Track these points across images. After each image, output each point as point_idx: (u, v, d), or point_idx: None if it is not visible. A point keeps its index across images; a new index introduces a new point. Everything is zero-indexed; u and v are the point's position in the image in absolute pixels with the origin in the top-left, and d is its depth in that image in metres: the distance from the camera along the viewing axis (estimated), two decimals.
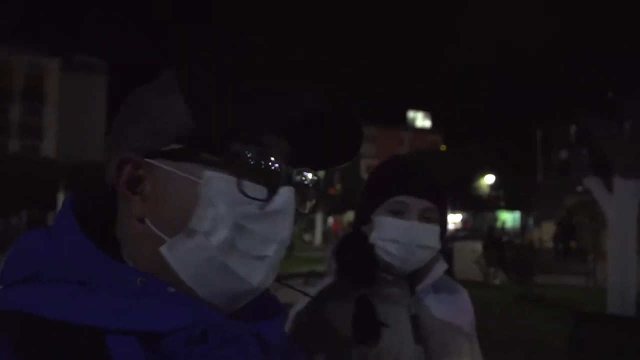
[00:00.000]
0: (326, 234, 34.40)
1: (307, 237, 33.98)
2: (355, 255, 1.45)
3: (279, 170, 0.68)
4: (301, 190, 0.72)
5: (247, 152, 0.66)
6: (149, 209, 0.68)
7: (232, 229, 0.65)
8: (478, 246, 14.61)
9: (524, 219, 35.13)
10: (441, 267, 1.50)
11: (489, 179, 36.78)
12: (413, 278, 1.47)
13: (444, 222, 1.47)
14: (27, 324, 0.59)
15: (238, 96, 0.66)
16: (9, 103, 40.97)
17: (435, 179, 1.46)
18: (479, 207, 39.78)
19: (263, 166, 0.67)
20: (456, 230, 33.57)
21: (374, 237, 1.44)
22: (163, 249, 0.66)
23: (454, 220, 43.22)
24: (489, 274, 13.53)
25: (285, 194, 0.67)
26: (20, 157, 31.40)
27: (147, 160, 0.68)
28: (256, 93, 0.66)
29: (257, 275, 0.67)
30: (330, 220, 39.91)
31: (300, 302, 1.42)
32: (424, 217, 1.42)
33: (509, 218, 40.81)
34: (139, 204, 0.68)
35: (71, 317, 0.59)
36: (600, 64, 7.50)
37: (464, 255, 13.65)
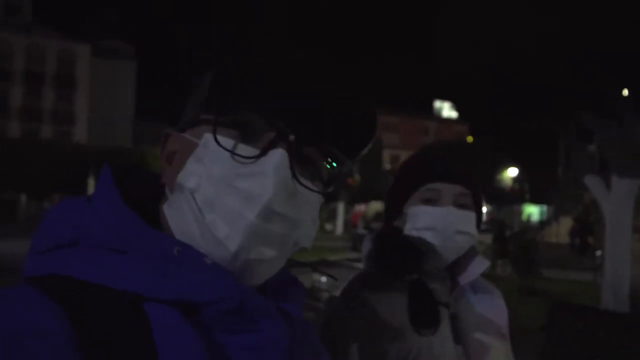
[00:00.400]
0: (347, 223, 34.86)
1: (328, 226, 34.47)
2: (397, 244, 1.39)
3: (276, 135, 0.67)
4: (313, 166, 0.71)
5: (248, 116, 0.67)
6: (170, 175, 0.71)
7: (217, 187, 0.66)
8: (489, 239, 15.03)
9: (550, 213, 35.11)
10: (482, 263, 1.42)
11: (512, 172, 36.79)
12: (453, 274, 1.42)
13: (479, 209, 1.42)
14: (71, 286, 0.60)
15: (254, 78, 0.68)
16: (42, 88, 42.15)
17: (467, 165, 1.42)
18: (503, 200, 39.78)
19: (260, 129, 0.67)
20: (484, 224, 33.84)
21: (409, 229, 1.39)
22: (165, 206, 0.70)
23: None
24: (496, 265, 13.92)
25: (275, 155, 0.66)
26: (53, 143, 32.41)
27: (181, 134, 0.72)
28: (270, 78, 0.68)
29: (235, 239, 0.64)
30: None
31: (334, 289, 1.58)
32: (458, 203, 1.37)
33: (535, 211, 40.69)
34: (168, 173, 0.71)
35: (111, 282, 0.61)
36: (598, 62, 7.79)
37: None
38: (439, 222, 1.35)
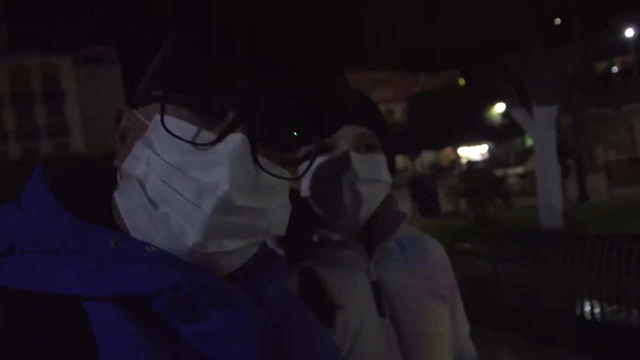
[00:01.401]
0: None
1: None
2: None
3: (235, 117, 0.60)
4: (280, 146, 0.64)
5: (203, 93, 0.61)
6: (121, 157, 0.65)
7: (169, 176, 0.60)
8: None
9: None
10: (400, 216, 1.23)
11: (499, 107, 37.20)
12: (370, 235, 1.20)
13: (390, 150, 1.23)
14: (4, 297, 0.57)
15: (212, 50, 0.62)
16: (32, 106, 43.01)
17: (366, 100, 1.22)
18: (496, 136, 40.31)
19: (217, 109, 0.61)
20: (483, 162, 34.49)
21: (304, 190, 1.18)
22: (116, 194, 0.64)
23: (480, 151, 43.96)
24: (458, 204, 14.73)
25: (233, 141, 0.59)
26: (53, 157, 33.39)
27: (133, 110, 0.66)
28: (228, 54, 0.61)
29: (190, 233, 0.59)
30: None
31: None
32: (361, 147, 1.17)
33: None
34: (121, 155, 0.66)
35: (47, 286, 0.57)
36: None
37: (443, 190, 15.09)
38: (334, 174, 1.13)
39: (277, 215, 0.65)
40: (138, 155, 0.62)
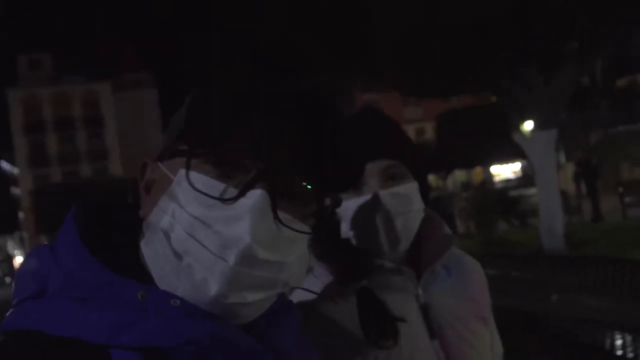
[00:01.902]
0: None
1: None
2: (334, 247, 1.20)
3: (256, 174, 0.63)
4: (299, 201, 0.66)
5: (226, 150, 0.63)
6: (146, 208, 0.68)
7: (193, 229, 0.62)
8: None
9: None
10: (449, 239, 1.25)
11: (528, 125, 36.87)
12: (417, 258, 1.23)
13: (420, 175, 1.24)
14: (34, 341, 0.60)
15: (229, 113, 0.65)
16: (74, 131, 44.79)
17: (388, 130, 1.25)
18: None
19: (239, 165, 0.63)
20: (516, 180, 34.12)
21: (345, 229, 1.21)
22: (142, 244, 0.66)
23: (513, 169, 43.62)
24: (468, 225, 14.70)
25: (254, 197, 0.62)
26: (93, 181, 34.68)
27: (157, 163, 0.69)
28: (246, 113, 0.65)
29: (213, 284, 0.61)
30: None
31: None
32: (388, 179, 1.18)
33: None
34: (146, 205, 0.68)
35: (74, 332, 0.60)
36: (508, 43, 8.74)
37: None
38: (370, 212, 1.17)
39: (296, 268, 0.67)
40: (163, 208, 0.65)
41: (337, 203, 0.72)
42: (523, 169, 45.54)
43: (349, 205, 1.17)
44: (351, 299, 1.16)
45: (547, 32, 8.60)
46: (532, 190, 16.60)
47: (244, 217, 0.62)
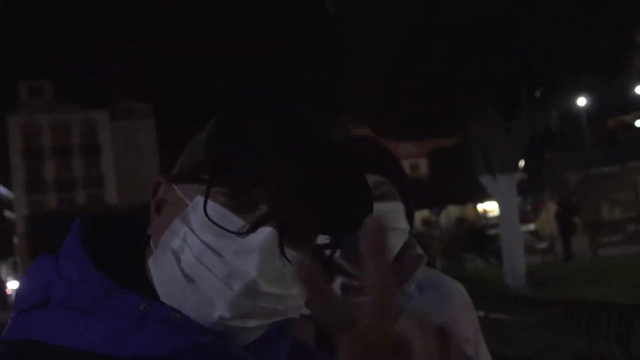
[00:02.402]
0: None
1: None
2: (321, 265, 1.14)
3: (269, 210, 0.66)
4: (307, 239, 0.69)
5: (241, 184, 0.66)
6: (157, 227, 0.70)
7: (203, 254, 0.65)
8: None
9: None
10: (419, 259, 1.25)
11: (520, 163, 37.21)
12: None
13: (406, 198, 1.24)
14: (36, 352, 0.61)
15: (250, 147, 0.67)
16: (70, 158, 45.33)
17: (381, 148, 1.27)
18: (520, 191, 40.08)
19: (252, 199, 0.66)
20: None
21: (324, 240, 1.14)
22: (150, 261, 0.68)
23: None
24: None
25: (264, 234, 0.65)
26: (88, 208, 35.03)
27: (172, 185, 0.71)
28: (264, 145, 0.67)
29: (217, 308, 0.64)
30: None
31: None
32: (377, 196, 1.14)
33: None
34: (155, 224, 0.71)
35: (76, 343, 0.61)
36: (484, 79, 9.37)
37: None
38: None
39: (296, 300, 0.69)
40: (175, 230, 0.67)
41: (339, 244, 0.74)
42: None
43: None
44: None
45: (506, 81, 9.25)
46: (529, 227, 16.90)
47: (253, 252, 0.64)
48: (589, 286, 8.83)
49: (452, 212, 44.56)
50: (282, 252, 0.66)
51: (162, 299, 0.67)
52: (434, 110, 9.56)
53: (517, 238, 9.87)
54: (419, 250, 1.27)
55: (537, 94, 9.95)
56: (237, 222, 0.66)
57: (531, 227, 24.57)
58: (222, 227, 0.65)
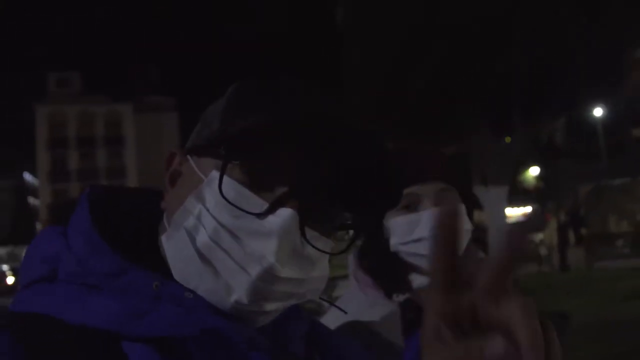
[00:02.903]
0: None
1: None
2: (377, 263, 1.26)
3: (288, 190, 0.62)
4: (328, 221, 0.67)
5: (261, 162, 0.63)
6: (170, 201, 0.68)
7: (218, 234, 0.62)
8: None
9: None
10: (478, 261, 1.28)
11: (534, 171, 37.07)
12: None
13: (468, 201, 1.29)
14: (41, 325, 0.59)
15: (270, 123, 0.62)
16: (94, 150, 46.43)
17: (442, 156, 1.34)
18: (533, 200, 39.95)
19: (272, 179, 0.63)
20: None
21: (395, 244, 1.25)
22: (163, 238, 0.66)
23: (525, 212, 43.61)
24: None
25: (283, 215, 0.62)
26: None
27: (187, 157, 0.68)
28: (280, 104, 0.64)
29: (234, 291, 0.62)
30: None
31: (331, 315, 1.19)
32: (441, 202, 1.23)
33: None
34: (169, 198, 0.69)
35: (83, 319, 0.60)
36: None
37: None
38: (422, 229, 1.22)
39: (315, 282, 0.67)
40: (189, 208, 0.64)
41: (363, 227, 0.72)
42: (533, 212, 45.29)
43: (401, 222, 1.24)
44: (395, 311, 1.23)
45: (498, 99, 9.62)
46: (539, 236, 16.98)
47: (272, 236, 0.62)
48: (571, 297, 9.18)
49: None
50: (303, 234, 0.64)
51: (177, 278, 0.65)
52: (434, 111, 9.90)
53: None
54: (479, 253, 1.34)
55: (531, 110, 10.31)
56: (254, 202, 0.63)
57: (540, 236, 24.70)
58: (238, 207, 0.62)
